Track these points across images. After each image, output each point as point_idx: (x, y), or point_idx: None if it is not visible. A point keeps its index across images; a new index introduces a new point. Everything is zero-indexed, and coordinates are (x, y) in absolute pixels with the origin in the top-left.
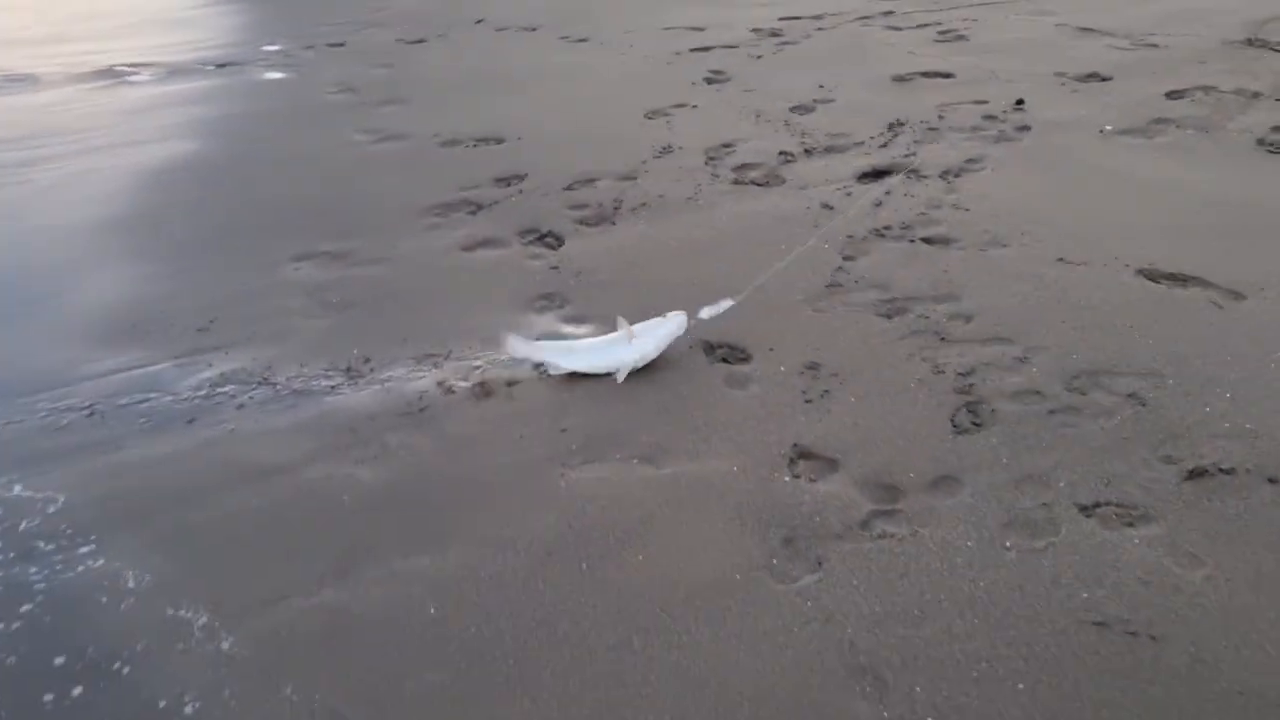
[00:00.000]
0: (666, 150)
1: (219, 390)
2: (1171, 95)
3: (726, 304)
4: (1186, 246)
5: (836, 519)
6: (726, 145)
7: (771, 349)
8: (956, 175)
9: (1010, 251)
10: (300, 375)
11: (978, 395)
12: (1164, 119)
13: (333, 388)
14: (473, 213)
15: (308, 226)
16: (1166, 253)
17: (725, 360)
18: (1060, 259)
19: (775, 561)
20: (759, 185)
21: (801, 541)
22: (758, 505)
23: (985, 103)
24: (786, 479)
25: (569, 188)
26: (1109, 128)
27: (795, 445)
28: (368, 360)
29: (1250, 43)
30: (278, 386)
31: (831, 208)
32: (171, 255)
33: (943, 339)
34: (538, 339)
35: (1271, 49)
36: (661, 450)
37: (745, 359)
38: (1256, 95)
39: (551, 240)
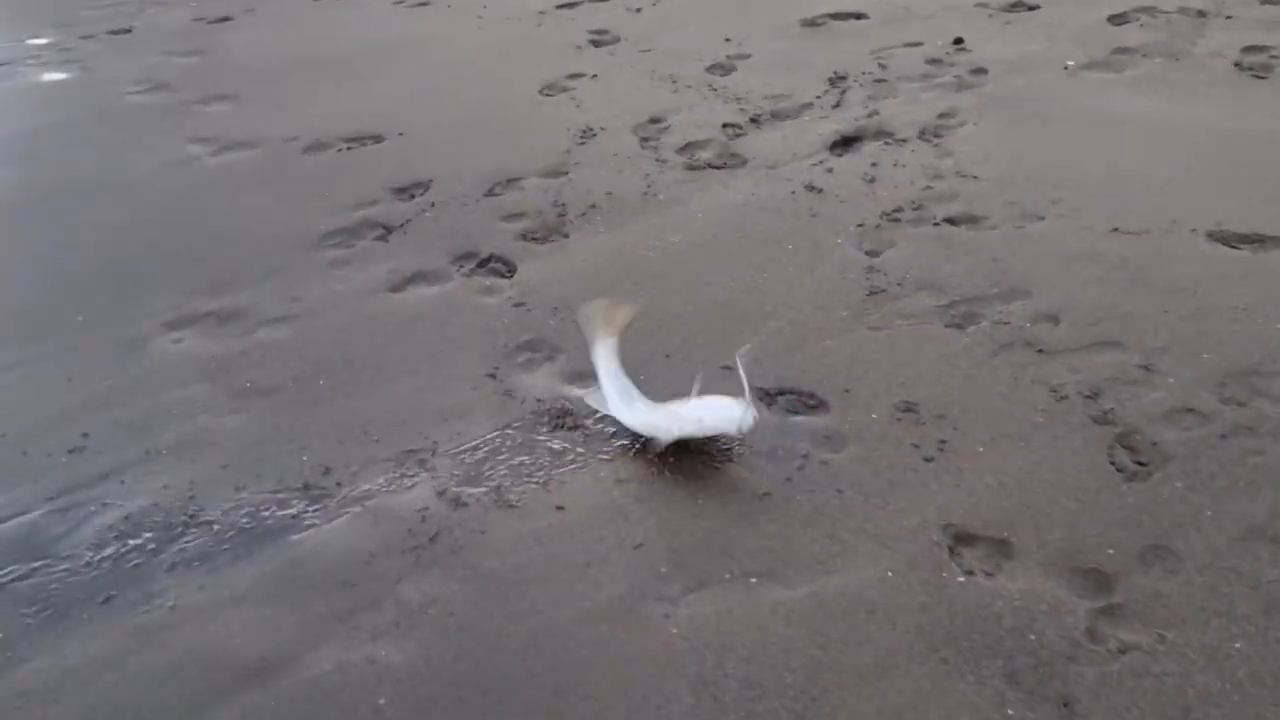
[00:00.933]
0: (587, 134)
1: (131, 543)
2: (1115, 20)
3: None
4: (1239, 198)
5: (1053, 632)
6: (655, 121)
7: (846, 389)
8: (938, 135)
9: (1051, 225)
10: (241, 505)
11: (1123, 423)
12: (1124, 49)
13: (294, 518)
14: (382, 238)
15: (167, 279)
16: (1225, 209)
17: (793, 411)
18: (1114, 229)
19: (1012, 713)
20: (717, 168)
21: (1027, 674)
22: (946, 627)
23: (919, 45)
24: (960, 578)
25: (490, 193)
26: (1071, 63)
27: (945, 526)
28: (327, 470)
29: None
30: (215, 527)
31: (819, 190)
32: None
33: (1040, 350)
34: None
35: None
36: (779, 559)
37: (819, 405)
38: (1202, 14)
39: (499, 266)
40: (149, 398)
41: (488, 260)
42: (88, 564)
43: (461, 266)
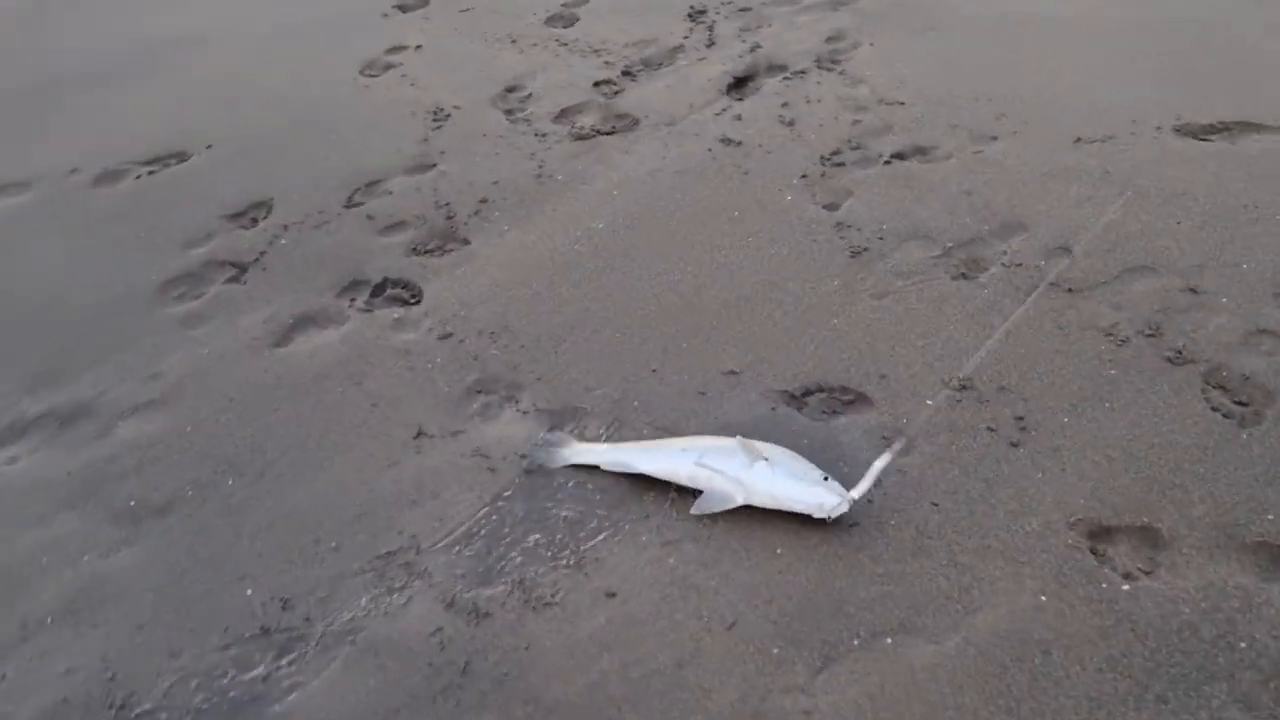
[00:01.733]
0: (440, 115)
1: None
2: None
3: (886, 458)
4: (1182, 88)
5: (1262, 632)
6: (513, 89)
7: (882, 375)
8: (835, 62)
9: (1008, 145)
10: (186, 677)
11: (1201, 360)
12: None
13: (266, 680)
14: (236, 279)
15: None
16: (1177, 101)
17: (832, 412)
18: (1077, 139)
19: None
20: (608, 134)
21: (1260, 693)
22: (1140, 653)
23: None
24: (1124, 586)
25: (351, 203)
26: None
27: (1074, 523)
28: (287, 603)
29: None
30: (161, 716)
31: (737, 142)
32: None
33: (1070, 290)
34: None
35: None
36: (907, 606)
37: (859, 400)
38: None
39: (400, 292)
40: (5, 544)
41: (382, 287)
42: None
43: (353, 300)
